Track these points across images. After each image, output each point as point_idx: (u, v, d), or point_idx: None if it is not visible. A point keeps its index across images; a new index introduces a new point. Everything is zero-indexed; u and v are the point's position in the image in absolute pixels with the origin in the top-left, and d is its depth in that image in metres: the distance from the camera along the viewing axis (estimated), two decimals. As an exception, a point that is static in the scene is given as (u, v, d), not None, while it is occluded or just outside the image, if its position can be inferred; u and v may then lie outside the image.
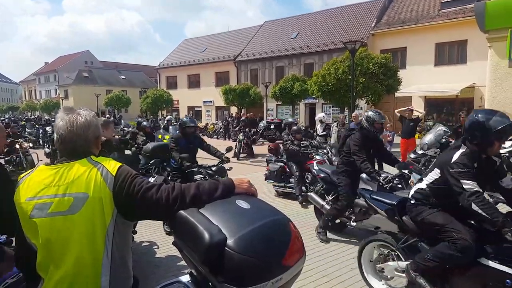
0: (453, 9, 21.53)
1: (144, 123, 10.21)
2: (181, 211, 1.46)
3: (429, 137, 8.69)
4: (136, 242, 5.05)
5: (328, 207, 5.25)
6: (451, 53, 21.83)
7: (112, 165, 1.53)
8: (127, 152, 7.73)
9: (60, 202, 1.43)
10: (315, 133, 12.42)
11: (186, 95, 36.22)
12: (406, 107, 10.60)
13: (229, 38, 35.55)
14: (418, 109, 12.28)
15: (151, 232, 5.49)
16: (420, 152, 8.60)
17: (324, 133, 11.60)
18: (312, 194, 5.68)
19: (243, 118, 21.93)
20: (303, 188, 7.31)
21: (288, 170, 7.72)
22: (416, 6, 24.11)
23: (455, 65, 21.26)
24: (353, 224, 4.89)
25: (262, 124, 21.75)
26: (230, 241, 1.33)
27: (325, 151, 9.06)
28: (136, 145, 8.74)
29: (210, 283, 1.42)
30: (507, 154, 8.22)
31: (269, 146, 9.37)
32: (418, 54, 22.25)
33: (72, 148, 1.55)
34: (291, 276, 1.44)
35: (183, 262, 3.89)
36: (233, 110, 29.07)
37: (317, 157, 7.88)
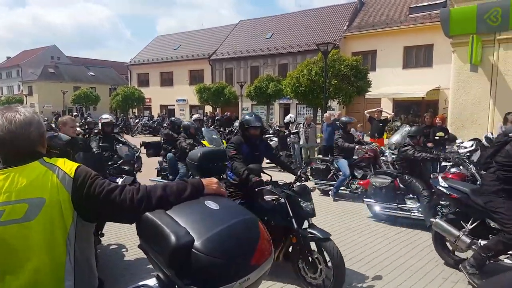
0: (421, 14, 22.27)
1: (186, 122, 8.36)
2: (147, 213, 1.44)
3: (396, 137, 8.96)
4: (104, 245, 4.93)
5: (467, 239, 3.94)
6: (418, 57, 22.59)
7: (69, 166, 1.44)
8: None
9: (13, 209, 1.33)
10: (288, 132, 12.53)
11: (159, 93, 35.64)
12: (376, 108, 10.88)
13: (204, 36, 35.26)
14: (387, 110, 12.68)
15: (119, 235, 5.37)
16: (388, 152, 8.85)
17: (296, 130, 11.82)
18: (440, 221, 4.27)
19: (218, 117, 21.83)
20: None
21: (402, 186, 5.86)
22: (386, 10, 24.77)
23: (422, 68, 22.01)
24: (510, 261, 3.82)
25: (237, 123, 21.71)
26: (197, 243, 1.32)
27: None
28: (174, 149, 7.59)
29: (176, 286, 1.41)
30: (468, 154, 8.61)
31: (366, 152, 7.37)
32: (388, 57, 22.88)
33: (15, 150, 1.41)
34: (259, 276, 1.45)
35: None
36: (208, 109, 28.88)
37: (453, 170, 5.94)
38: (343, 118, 7.97)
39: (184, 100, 33.83)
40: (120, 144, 6.10)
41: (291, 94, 17.42)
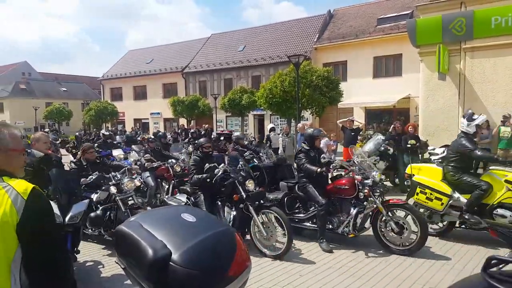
0: (388, 25, 23.06)
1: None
2: (123, 227, 1.44)
3: (369, 146, 9.17)
4: (80, 262, 4.81)
5: None
6: (387, 66, 23.28)
7: (23, 187, 1.38)
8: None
9: None
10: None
11: (132, 107, 35.20)
12: (347, 118, 11.14)
13: (176, 50, 35.23)
14: (359, 119, 13.01)
15: (95, 252, 5.26)
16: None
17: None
18: None
19: (192, 130, 21.69)
20: None
21: None
22: (355, 22, 25.52)
23: (392, 77, 22.68)
24: None
25: (212, 135, 21.64)
26: (175, 256, 1.32)
27: None
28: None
29: (154, 300, 1.41)
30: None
31: None
32: (358, 67, 23.48)
33: None
34: (237, 287, 1.47)
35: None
36: (182, 121, 28.73)
37: None
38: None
39: (158, 113, 33.54)
40: None
41: (265, 105, 17.61)
